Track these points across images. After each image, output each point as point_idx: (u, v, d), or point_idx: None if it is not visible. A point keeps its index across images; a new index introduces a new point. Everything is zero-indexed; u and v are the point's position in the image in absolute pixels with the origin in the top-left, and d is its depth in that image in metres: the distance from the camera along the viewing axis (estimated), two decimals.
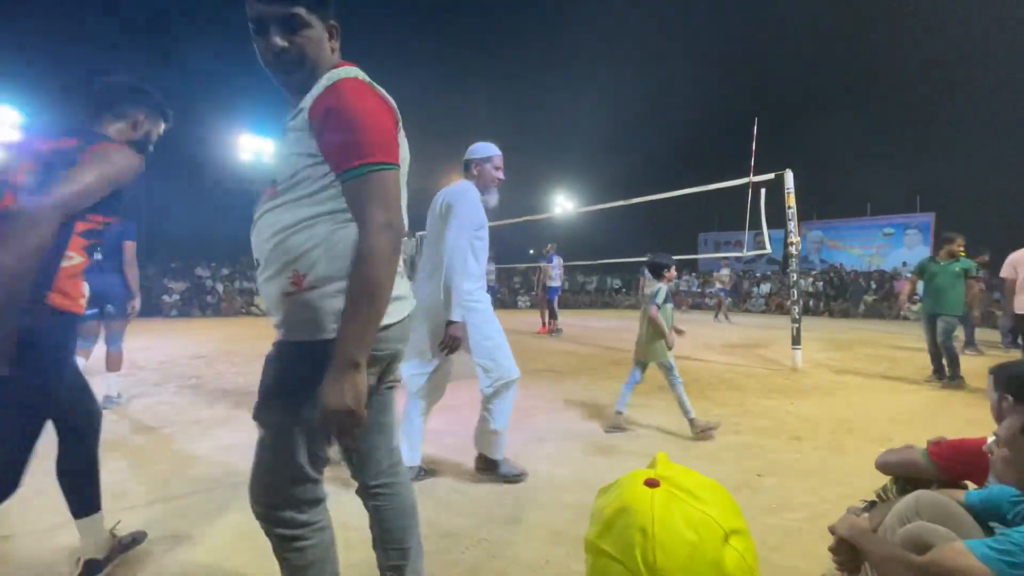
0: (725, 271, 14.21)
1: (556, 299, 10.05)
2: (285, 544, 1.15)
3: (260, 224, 1.12)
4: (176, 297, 13.69)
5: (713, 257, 22.55)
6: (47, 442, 3.19)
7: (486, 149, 2.66)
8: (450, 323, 2.35)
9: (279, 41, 1.06)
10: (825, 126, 21.68)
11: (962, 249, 5.26)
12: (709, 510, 0.57)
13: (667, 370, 3.46)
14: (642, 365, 3.60)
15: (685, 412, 3.36)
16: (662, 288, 3.51)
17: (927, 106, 20.64)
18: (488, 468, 2.64)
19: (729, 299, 14.88)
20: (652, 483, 0.59)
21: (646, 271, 10.87)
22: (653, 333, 3.45)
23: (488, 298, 2.66)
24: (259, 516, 1.16)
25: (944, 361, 5.15)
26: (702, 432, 3.30)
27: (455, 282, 2.36)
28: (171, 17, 18.28)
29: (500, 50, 23.56)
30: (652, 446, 3.21)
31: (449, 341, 2.37)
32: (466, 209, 2.46)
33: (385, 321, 1.08)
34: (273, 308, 1.13)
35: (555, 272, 9.94)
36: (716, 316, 14.02)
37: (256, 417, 1.14)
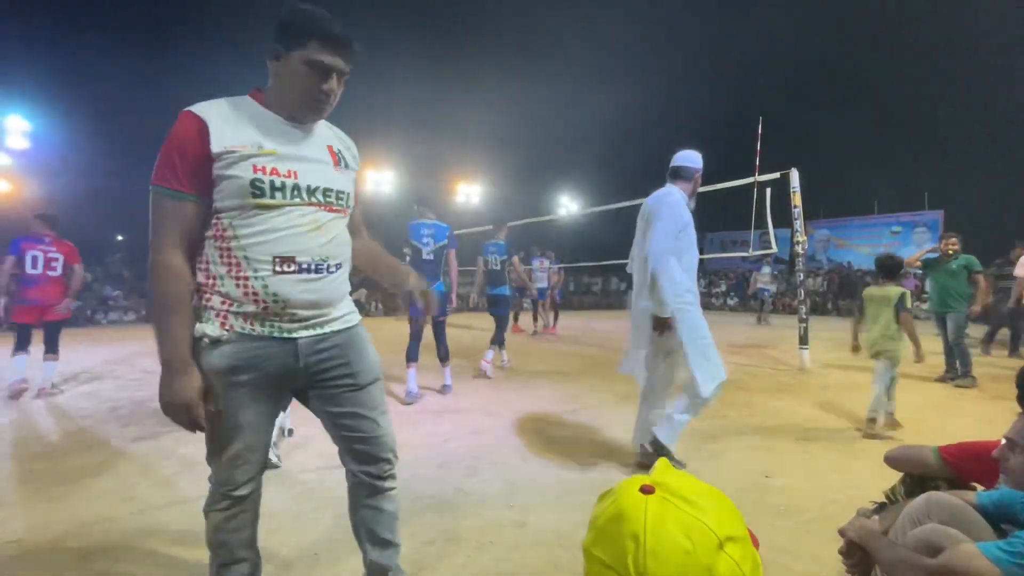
0: (767, 269, 13.04)
1: (541, 301, 10.23)
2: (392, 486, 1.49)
3: (340, 235, 1.36)
4: None
5: (721, 257, 22.45)
6: (54, 449, 3.21)
7: (700, 159, 2.83)
8: (660, 318, 2.58)
9: (337, 89, 1.29)
10: (831, 124, 21.54)
11: (953, 247, 5.26)
12: (704, 517, 0.56)
13: (892, 366, 3.53)
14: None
15: (885, 403, 3.46)
16: (907, 292, 3.59)
17: (934, 102, 20.44)
18: (653, 456, 2.66)
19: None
20: (647, 489, 0.58)
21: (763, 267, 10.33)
22: (897, 331, 3.51)
23: (697, 298, 2.80)
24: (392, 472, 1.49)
25: (956, 359, 5.11)
26: (873, 434, 3.38)
27: (661, 282, 2.55)
28: (175, 28, 18.47)
29: (503, 51, 23.61)
30: None
31: (659, 330, 2.60)
32: (668, 213, 2.62)
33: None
34: (336, 302, 1.36)
35: (536, 274, 9.96)
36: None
37: (376, 384, 1.45)
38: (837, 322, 13.98)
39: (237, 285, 1.23)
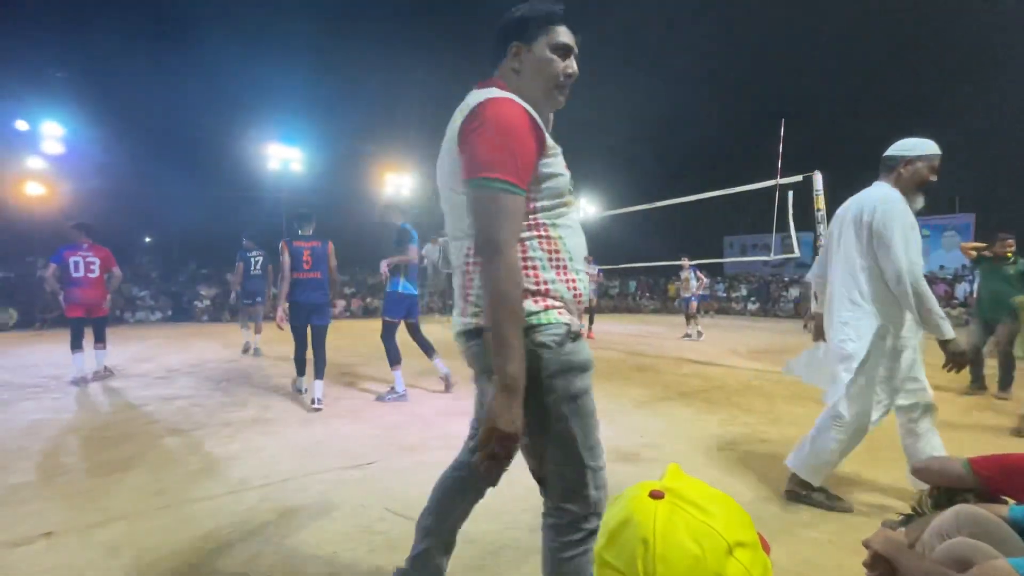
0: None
1: None
2: None
3: None
4: (207, 303, 14.12)
5: (741, 261, 22.13)
6: (85, 444, 3.31)
7: (921, 146, 2.36)
8: (945, 341, 2.12)
9: (576, 67, 1.27)
10: (855, 124, 21.07)
11: (1010, 249, 4.86)
12: (713, 522, 0.56)
13: None
14: None
15: None
16: None
17: (965, 101, 19.86)
18: (804, 491, 2.36)
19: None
20: (656, 495, 0.59)
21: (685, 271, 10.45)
22: None
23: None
24: None
25: (998, 368, 4.77)
26: None
27: (929, 299, 2.10)
28: (209, 35, 18.97)
29: None
30: (675, 455, 3.16)
31: (955, 359, 2.14)
32: (901, 224, 2.19)
33: None
34: None
35: None
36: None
37: None
38: None
39: (568, 288, 1.18)
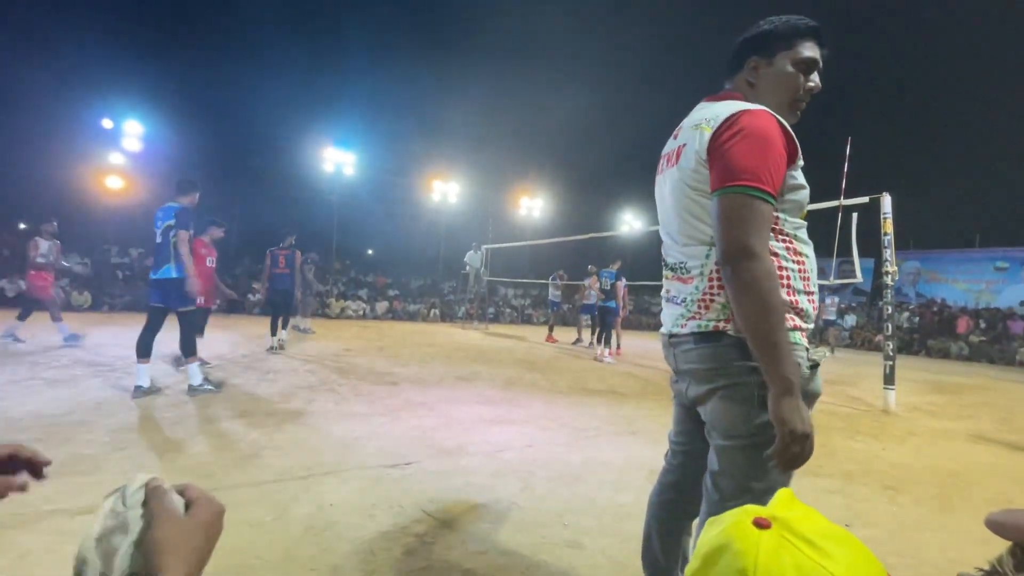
0: (830, 298, 11.92)
1: (590, 315, 11.99)
2: None
3: None
4: (259, 296, 14.75)
5: None
6: (140, 425, 3.45)
7: None
8: None
9: (819, 81, 1.23)
10: (926, 143, 19.83)
11: None
12: (832, 566, 0.48)
13: None
14: None
15: None
16: None
17: None
18: None
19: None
20: (762, 523, 0.51)
21: None
22: None
23: None
24: None
25: None
26: None
27: None
28: (276, 45, 20.07)
29: (568, 65, 23.75)
30: None
31: None
32: None
33: None
34: None
35: (591, 292, 11.39)
36: (831, 349, 12.28)
37: None
38: (927, 363, 12.74)
39: (809, 301, 1.17)
